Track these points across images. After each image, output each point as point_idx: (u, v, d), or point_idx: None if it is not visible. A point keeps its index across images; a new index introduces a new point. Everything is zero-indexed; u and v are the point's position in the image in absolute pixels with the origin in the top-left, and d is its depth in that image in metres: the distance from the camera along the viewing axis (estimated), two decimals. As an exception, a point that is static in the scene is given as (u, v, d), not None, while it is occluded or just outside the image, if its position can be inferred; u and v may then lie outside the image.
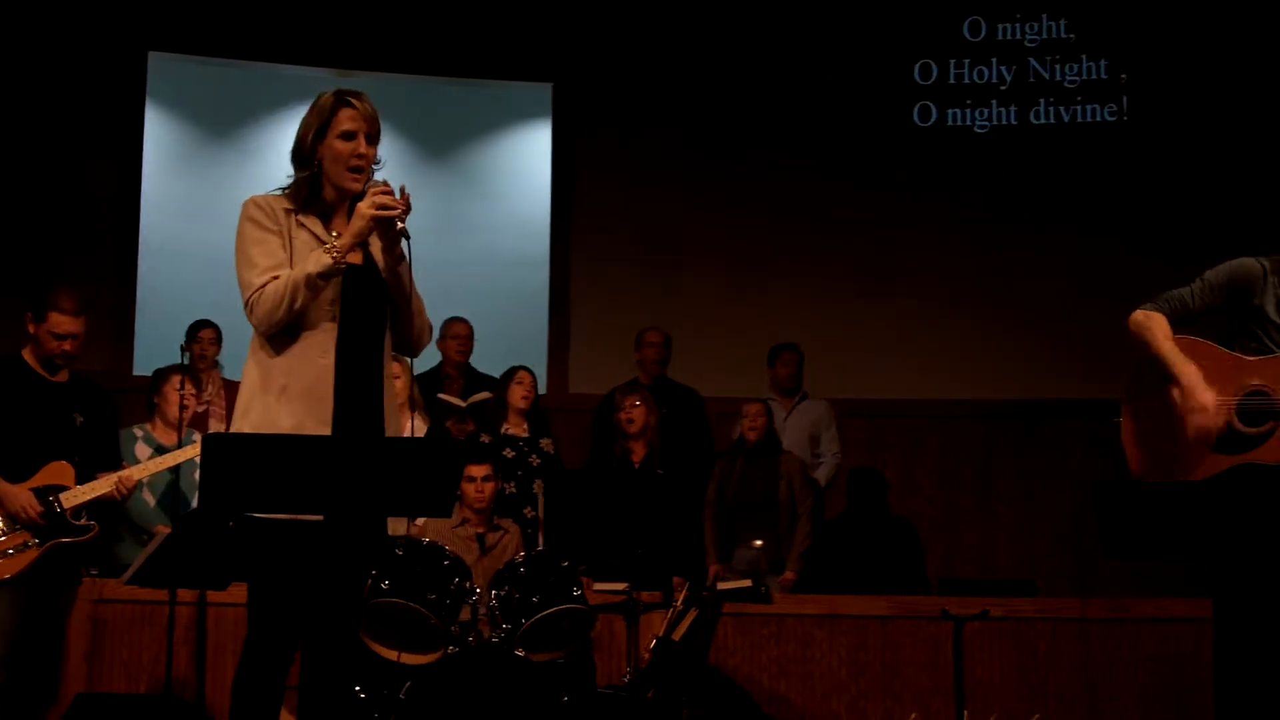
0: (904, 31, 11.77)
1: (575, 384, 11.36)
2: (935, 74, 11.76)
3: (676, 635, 7.11)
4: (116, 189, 11.21)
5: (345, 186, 4.79)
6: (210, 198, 11.08)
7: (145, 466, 6.91)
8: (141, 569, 6.67)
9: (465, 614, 6.88)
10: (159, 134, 11.59)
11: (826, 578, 9.05)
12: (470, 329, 9.84)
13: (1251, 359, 5.23)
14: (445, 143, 12.24)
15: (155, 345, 10.15)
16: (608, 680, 7.61)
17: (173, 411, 8.03)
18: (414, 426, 7.69)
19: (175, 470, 7.64)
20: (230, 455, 4.21)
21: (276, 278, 4.65)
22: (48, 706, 6.72)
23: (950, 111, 11.72)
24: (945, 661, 7.75)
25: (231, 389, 8.68)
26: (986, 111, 11.72)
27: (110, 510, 6.92)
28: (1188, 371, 5.22)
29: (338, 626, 4.75)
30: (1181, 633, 7.86)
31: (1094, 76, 11.64)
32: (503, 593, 6.90)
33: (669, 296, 11.33)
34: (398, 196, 4.69)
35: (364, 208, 4.68)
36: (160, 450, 7.76)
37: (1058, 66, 11.70)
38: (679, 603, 7.21)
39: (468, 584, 6.89)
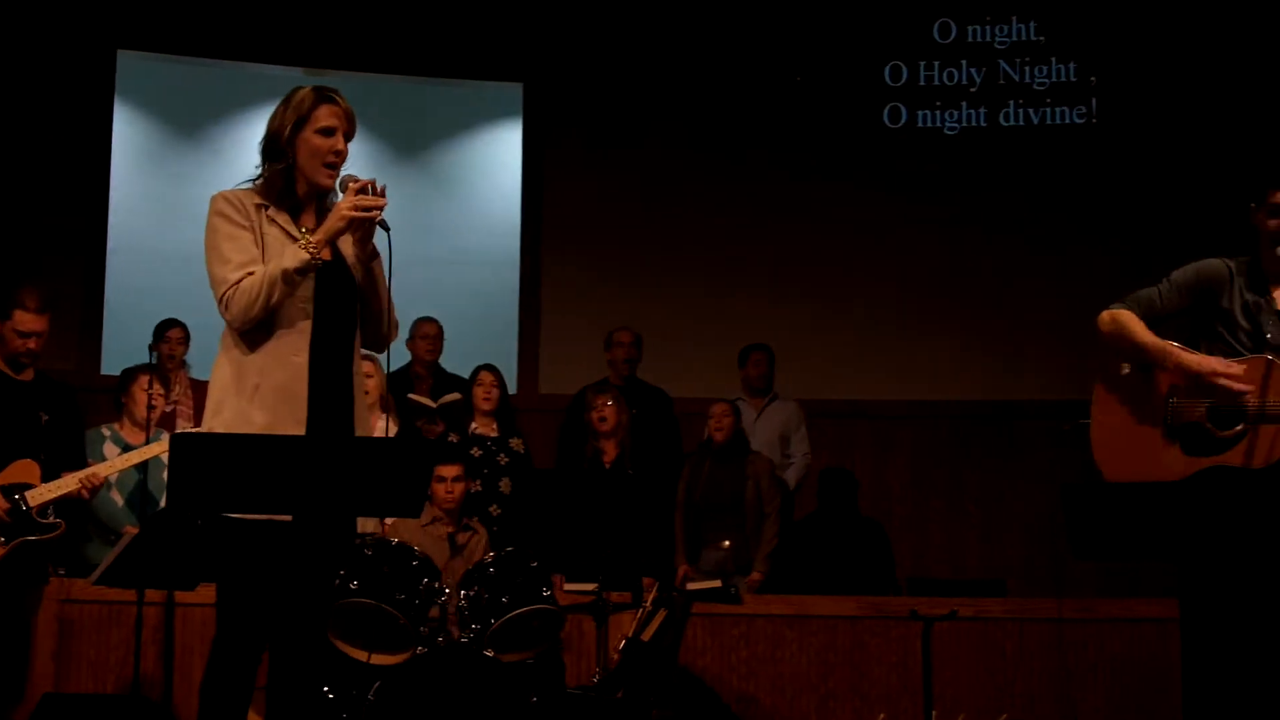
0: (874, 33, 11.78)
1: (545, 384, 11.35)
2: (905, 75, 11.78)
3: (646, 636, 7.10)
4: (85, 188, 11.15)
5: (319, 182, 4.78)
6: (179, 197, 11.03)
7: (112, 464, 6.88)
8: (109, 569, 6.64)
9: (434, 614, 6.87)
10: (128, 133, 11.54)
11: (796, 578, 9.06)
12: (440, 329, 9.84)
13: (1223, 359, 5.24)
14: (415, 142, 12.22)
15: (123, 345, 10.11)
16: (577, 681, 7.61)
17: (141, 411, 8.00)
18: (385, 427, 7.69)
19: (144, 470, 7.61)
20: (198, 455, 4.19)
21: (251, 273, 4.63)
22: (14, 706, 6.68)
23: (920, 113, 11.74)
24: (914, 662, 7.77)
25: (199, 388, 8.65)
26: (956, 113, 11.74)
27: (78, 510, 6.89)
28: (1182, 355, 5.22)
29: (306, 627, 4.73)
30: (1149, 633, 7.89)
31: (1063, 79, 11.67)
32: (472, 593, 6.89)
33: (639, 297, 11.32)
34: (374, 193, 4.68)
35: (344, 208, 4.66)
36: (129, 450, 7.73)
37: (1027, 69, 11.73)
38: (648, 603, 7.21)
39: (437, 584, 6.88)
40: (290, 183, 4.79)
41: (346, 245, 4.82)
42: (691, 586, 7.88)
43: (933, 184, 11.58)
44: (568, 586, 7.60)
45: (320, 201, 4.83)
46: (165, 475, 6.66)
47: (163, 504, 7.80)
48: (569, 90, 11.77)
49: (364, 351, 5.01)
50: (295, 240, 4.69)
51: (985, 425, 11.21)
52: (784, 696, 8.08)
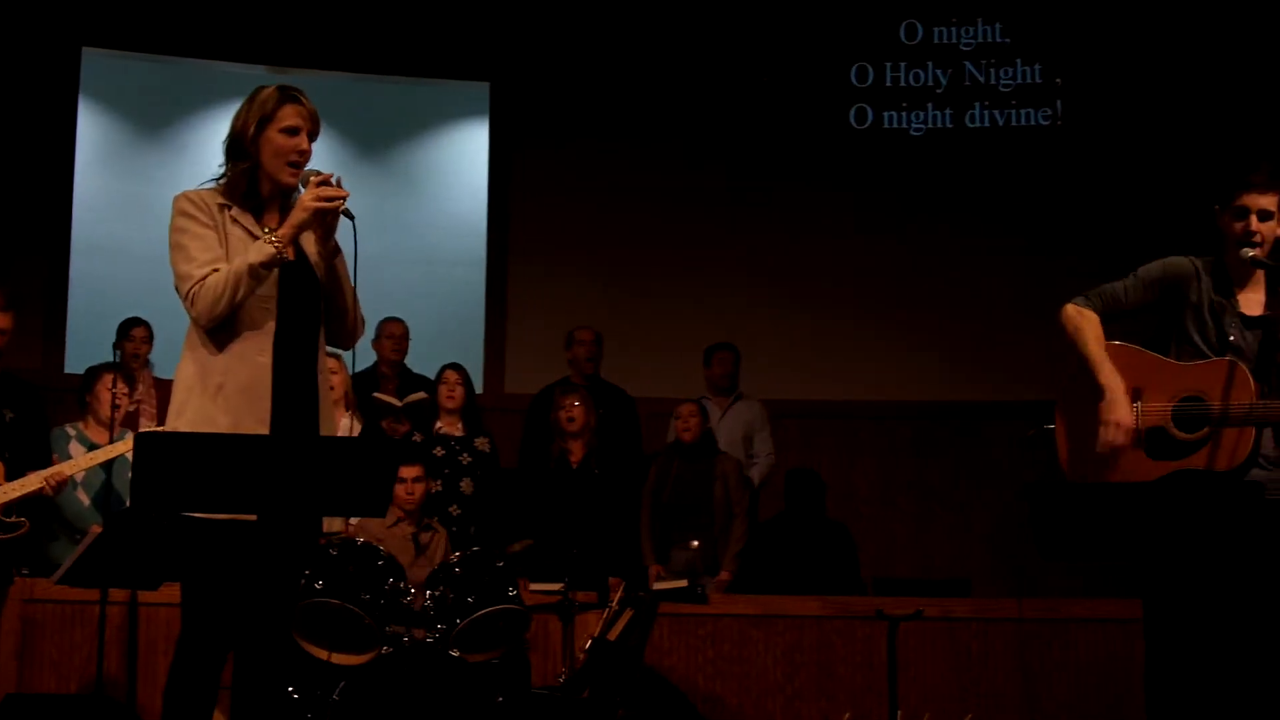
0: (840, 34, 11.80)
1: (511, 383, 11.33)
2: (871, 77, 11.80)
3: (612, 635, 7.10)
4: (49, 186, 11.09)
5: (283, 181, 4.78)
6: (144, 195, 10.98)
7: (76, 462, 6.86)
8: (73, 568, 6.61)
9: (400, 614, 6.86)
10: (92, 130, 11.49)
11: (762, 579, 9.07)
12: (405, 328, 9.82)
13: (1186, 364, 5.26)
14: (382, 141, 12.19)
15: (87, 344, 10.07)
16: (543, 681, 7.60)
17: (105, 410, 7.96)
18: (348, 425, 7.68)
19: (108, 469, 7.58)
20: (162, 454, 4.18)
21: (216, 270, 4.62)
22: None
23: (886, 114, 11.76)
24: (880, 661, 7.78)
25: (163, 387, 8.62)
26: (922, 114, 11.77)
27: (43, 509, 6.86)
28: (1113, 384, 5.25)
29: (271, 627, 4.72)
30: (1113, 633, 7.91)
31: (1029, 81, 11.71)
32: (438, 593, 6.88)
33: (606, 297, 11.32)
34: (334, 186, 4.68)
35: (307, 200, 4.67)
36: (94, 449, 7.70)
37: (993, 70, 11.76)
38: (614, 603, 7.20)
39: (402, 584, 6.86)
40: (254, 182, 4.79)
41: (309, 244, 4.82)
42: (658, 586, 7.88)
43: (898, 185, 11.60)
44: (534, 586, 7.59)
45: (284, 201, 4.83)
46: (130, 474, 6.65)
47: (128, 503, 7.77)
48: (536, 90, 11.76)
49: (329, 350, 5.01)
50: (258, 240, 4.68)
51: (950, 426, 11.24)
52: (750, 696, 8.09)
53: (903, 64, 11.81)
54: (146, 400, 9.10)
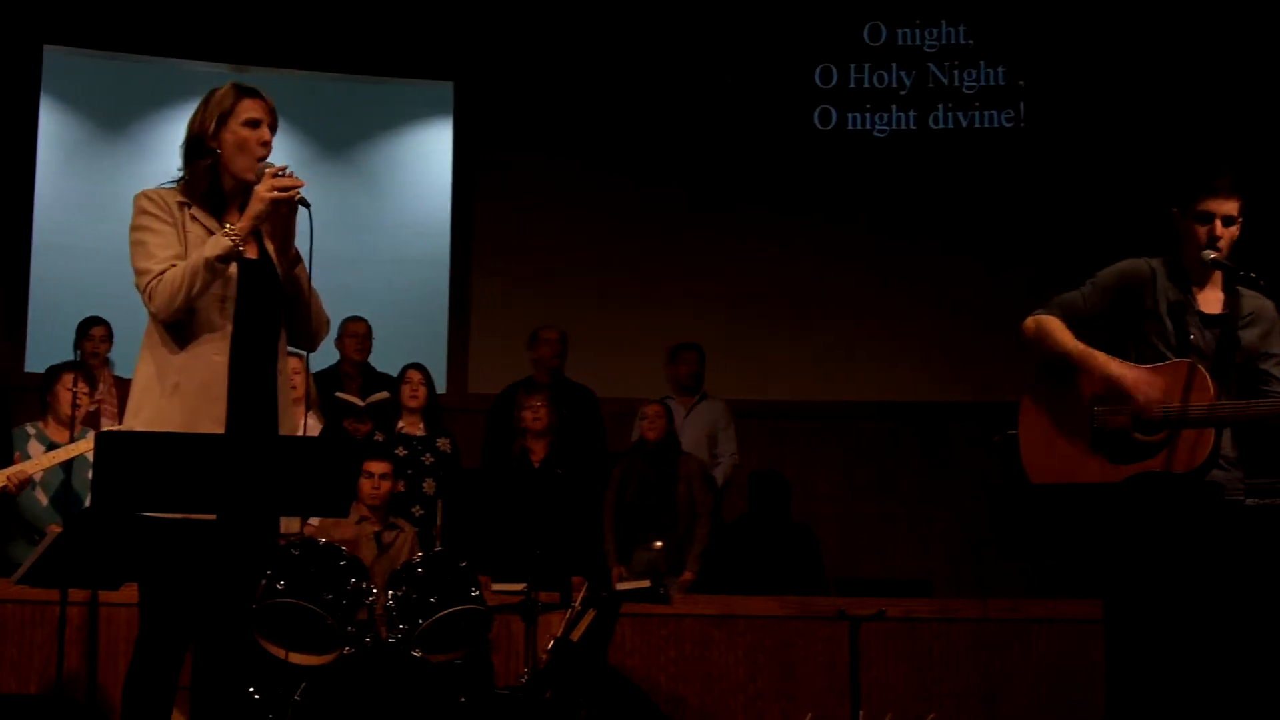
0: (805, 35, 11.82)
1: (475, 383, 11.32)
2: (836, 78, 11.82)
3: (575, 636, 7.10)
4: (10, 184, 11.04)
5: (245, 176, 4.77)
6: (105, 194, 10.94)
7: (38, 461, 6.84)
8: (32, 568, 6.56)
9: (362, 614, 6.84)
10: (53, 129, 11.44)
11: (726, 580, 9.08)
12: (368, 328, 9.79)
13: (1145, 367, 5.28)
14: (345, 140, 12.17)
15: (48, 343, 10.03)
16: (506, 681, 7.60)
17: (65, 409, 7.94)
18: (309, 425, 7.65)
19: (68, 469, 7.55)
20: (124, 453, 4.16)
21: (175, 265, 4.61)
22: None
23: (850, 115, 11.79)
24: (842, 662, 7.78)
25: (124, 386, 8.58)
26: (886, 116, 11.79)
27: (2, 509, 6.83)
28: (1104, 362, 5.26)
29: (230, 626, 4.71)
30: (1074, 633, 7.94)
31: (992, 83, 11.75)
32: (400, 593, 6.86)
33: (569, 297, 11.31)
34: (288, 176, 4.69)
35: (262, 190, 4.67)
36: (54, 448, 7.67)
37: (957, 72, 11.80)
38: (577, 603, 7.20)
39: (364, 584, 6.84)
40: (216, 179, 4.78)
41: (271, 246, 4.82)
42: (620, 587, 7.88)
43: (862, 186, 11.63)
44: (496, 587, 7.58)
45: (244, 200, 4.82)
46: (90, 474, 6.62)
47: (87, 503, 7.74)
48: (500, 90, 11.74)
49: (291, 349, 5.00)
50: (215, 235, 4.67)
51: (913, 426, 11.27)
52: (712, 696, 8.09)
53: (867, 65, 11.84)
54: (107, 399, 9.06)
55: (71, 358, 7.94)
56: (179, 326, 4.66)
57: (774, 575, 9.30)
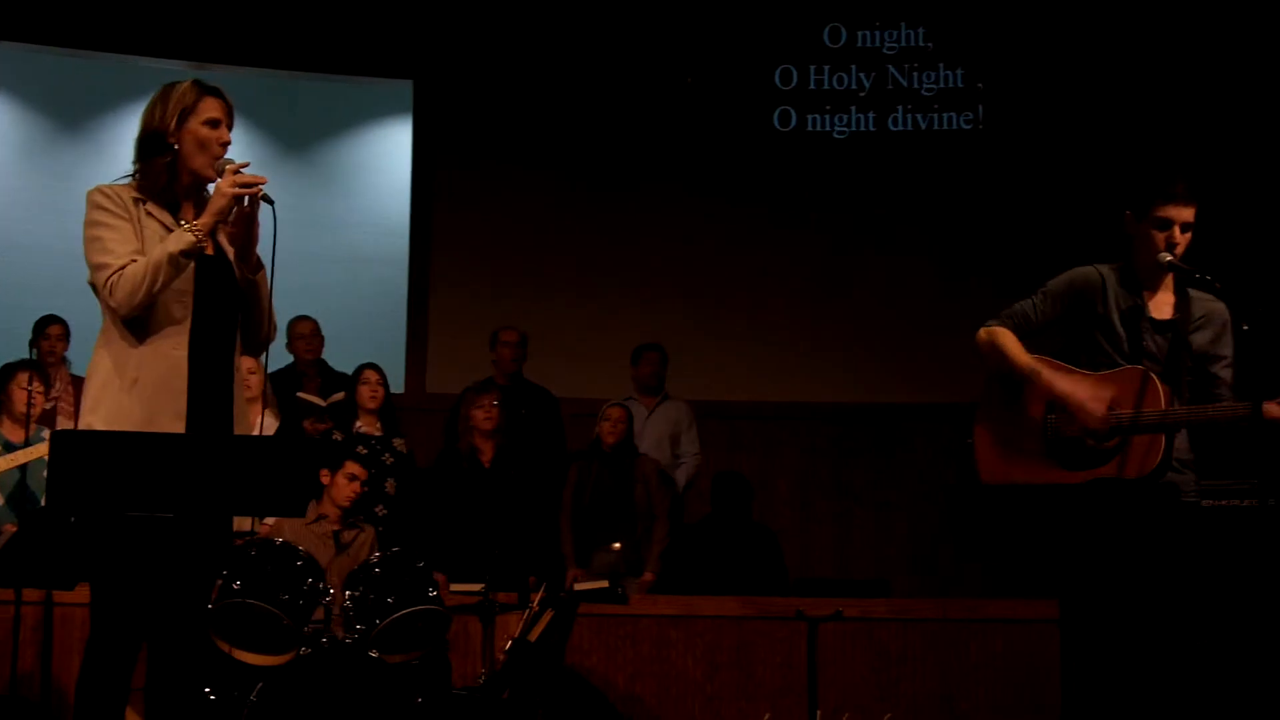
0: (765, 37, 11.83)
1: (433, 383, 11.30)
2: (795, 79, 11.84)
3: (533, 636, 7.09)
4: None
5: (205, 173, 4.76)
6: (60, 191, 10.90)
7: (-5, 461, 6.82)
8: (-13, 568, 6.55)
9: (319, 614, 6.83)
10: (7, 126, 11.40)
11: (688, 581, 9.09)
12: (314, 326, 9.75)
13: (1098, 374, 5.30)
14: (304, 138, 12.14)
15: (4, 341, 9.96)
16: (463, 681, 7.59)
17: (20, 408, 7.90)
18: (265, 423, 7.63)
19: (24, 469, 7.52)
20: (80, 452, 4.14)
21: (135, 260, 4.59)
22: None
23: (810, 117, 11.80)
24: (800, 661, 7.81)
25: (80, 385, 8.54)
26: (845, 117, 11.81)
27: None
28: (1052, 379, 5.29)
29: (185, 626, 4.69)
30: (1030, 633, 7.97)
31: (951, 85, 11.78)
32: (357, 593, 6.85)
33: (529, 297, 11.30)
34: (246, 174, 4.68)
35: (224, 186, 4.65)
36: (9, 448, 7.65)
37: (916, 74, 11.83)
38: (535, 604, 7.19)
39: (321, 584, 6.83)
40: (173, 176, 4.76)
41: (227, 244, 4.81)
42: (579, 587, 7.87)
43: (821, 187, 11.65)
44: (454, 587, 7.57)
45: (199, 197, 4.81)
46: (45, 474, 6.59)
47: (43, 502, 7.71)
48: (460, 88, 11.72)
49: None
50: (177, 230, 4.66)
51: (871, 427, 11.29)
52: (670, 696, 8.10)
53: (826, 67, 11.86)
54: (63, 398, 9.03)
55: (27, 356, 7.89)
56: (137, 321, 4.63)
57: (736, 576, 9.33)
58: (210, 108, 4.77)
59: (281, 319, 5.06)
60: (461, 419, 8.89)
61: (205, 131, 4.75)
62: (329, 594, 6.83)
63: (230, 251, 4.82)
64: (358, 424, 8.71)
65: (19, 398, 7.90)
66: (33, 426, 7.84)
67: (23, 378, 7.89)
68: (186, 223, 4.69)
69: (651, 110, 11.67)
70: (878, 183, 11.63)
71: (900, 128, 11.78)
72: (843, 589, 8.86)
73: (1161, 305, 5.39)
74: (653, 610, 8.24)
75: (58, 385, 9.03)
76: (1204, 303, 5.40)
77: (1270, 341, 5.06)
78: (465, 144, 11.69)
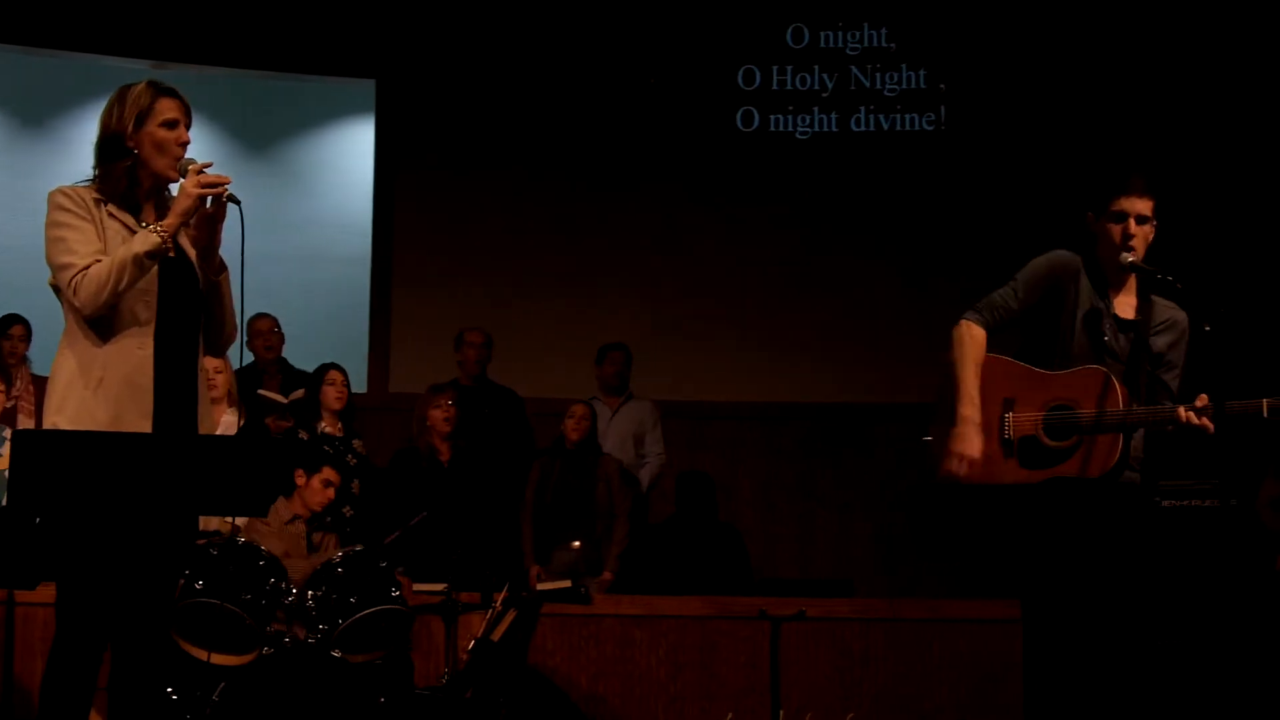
0: (728, 37, 11.84)
1: (396, 383, 11.28)
2: (758, 79, 11.86)
3: (495, 636, 7.09)
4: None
5: (167, 175, 4.75)
6: (23, 190, 10.81)
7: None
8: (-54, 568, 6.51)
9: (281, 614, 6.81)
10: (-31, 125, 11.34)
11: (652, 581, 9.09)
12: (272, 323, 9.71)
13: (1056, 373, 5.31)
14: (266, 137, 12.11)
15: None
16: (426, 681, 7.57)
17: (-20, 407, 7.88)
18: (230, 422, 7.61)
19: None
20: (40, 452, 4.13)
21: (99, 260, 4.57)
22: None
23: (773, 117, 11.82)
24: (763, 661, 7.81)
25: (41, 385, 8.51)
26: (808, 118, 11.84)
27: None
28: (968, 415, 5.25)
29: (148, 626, 4.68)
30: (992, 633, 7.99)
31: (913, 86, 11.81)
32: (319, 593, 6.83)
33: (492, 296, 11.29)
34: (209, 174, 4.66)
35: (189, 186, 4.63)
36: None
37: (878, 75, 11.86)
38: (498, 603, 7.19)
39: (283, 584, 6.81)
40: (133, 179, 4.75)
41: (188, 243, 4.79)
42: (542, 587, 7.87)
43: (784, 187, 11.67)
44: (417, 586, 7.56)
45: (159, 198, 4.80)
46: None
47: (3, 502, 7.66)
48: (423, 88, 11.71)
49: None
50: (142, 231, 4.64)
51: (834, 427, 11.31)
52: (633, 696, 8.10)
53: (789, 67, 11.88)
54: (25, 397, 8.98)
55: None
56: (101, 321, 4.62)
57: (700, 575, 9.34)
58: (167, 108, 4.75)
59: (243, 317, 5.04)
60: (419, 419, 8.90)
61: (163, 133, 4.73)
62: (291, 593, 6.81)
63: (192, 253, 4.80)
64: (321, 424, 8.69)
65: (-21, 397, 7.87)
66: (-7, 426, 7.81)
67: (-17, 377, 7.87)
68: (148, 224, 4.68)
69: (614, 110, 11.67)
70: (840, 183, 11.66)
71: (863, 128, 11.81)
72: (806, 589, 8.88)
73: (1124, 305, 5.39)
74: (616, 610, 8.25)
75: (19, 385, 8.98)
76: (1166, 309, 5.41)
77: (1230, 342, 5.09)
78: (428, 143, 11.67)
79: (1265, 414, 5.11)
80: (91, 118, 10.75)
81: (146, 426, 4.60)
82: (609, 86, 11.69)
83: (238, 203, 4.70)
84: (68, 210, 4.67)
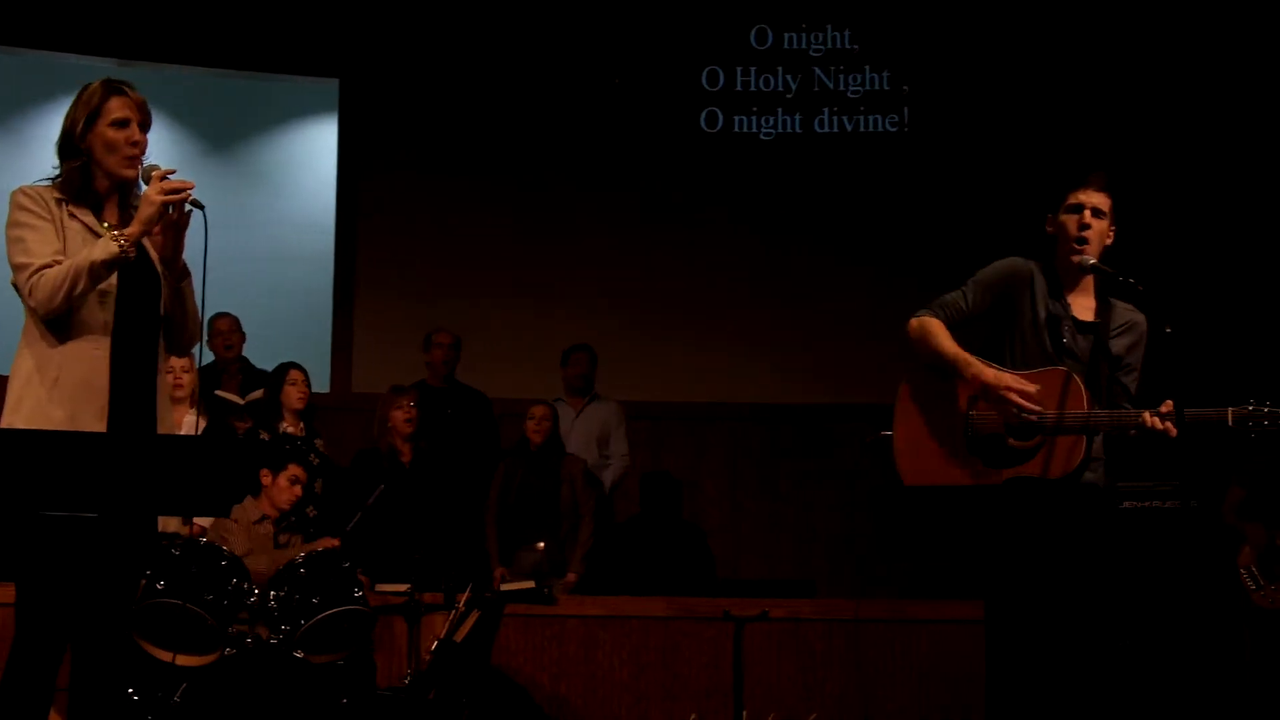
0: (692, 38, 11.85)
1: (359, 383, 11.25)
2: (722, 80, 11.87)
3: (458, 637, 7.08)
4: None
5: (120, 174, 4.73)
6: (-16, 188, 10.77)
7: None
8: (-95, 568, 6.46)
9: (243, 615, 6.78)
10: (-72, 121, 11.28)
11: (615, 582, 9.09)
12: (232, 323, 9.68)
13: (1020, 373, 5.33)
14: (229, 136, 12.06)
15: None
16: (388, 682, 7.56)
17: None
18: (192, 422, 7.58)
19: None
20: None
21: (58, 262, 4.56)
22: None
23: (736, 118, 11.84)
24: (726, 662, 7.82)
25: (1, 384, 8.45)
26: (772, 119, 11.86)
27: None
28: (981, 369, 5.30)
29: (109, 627, 4.66)
30: (954, 634, 8.02)
31: (877, 88, 11.84)
32: (282, 593, 6.81)
33: (456, 297, 11.27)
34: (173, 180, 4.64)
35: (152, 194, 4.62)
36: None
37: (842, 77, 11.88)
38: (461, 604, 7.18)
39: (246, 584, 6.78)
40: (89, 179, 4.75)
41: (151, 243, 4.78)
42: (505, 587, 7.87)
43: (748, 188, 11.68)
44: (380, 587, 7.55)
45: (123, 196, 4.78)
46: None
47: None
48: (387, 87, 11.68)
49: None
50: (98, 236, 4.63)
51: (798, 427, 11.32)
52: (596, 697, 8.10)
53: (753, 69, 11.90)
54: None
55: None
56: (59, 321, 4.61)
57: (664, 576, 9.34)
58: (116, 107, 4.73)
59: (205, 318, 5.03)
60: (381, 420, 8.89)
61: (111, 133, 4.72)
62: (254, 594, 6.79)
63: (155, 255, 4.79)
64: (282, 424, 8.67)
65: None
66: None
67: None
68: (109, 224, 4.68)
69: (579, 110, 11.67)
70: (804, 184, 11.68)
71: (826, 129, 11.83)
72: (769, 589, 8.88)
73: (1082, 308, 5.42)
74: (579, 611, 8.25)
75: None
76: (1125, 311, 5.44)
77: (1190, 345, 5.11)
78: (391, 143, 11.65)
79: (1230, 423, 5.15)
80: (54, 116, 10.66)
81: (101, 427, 4.58)
82: (573, 87, 11.69)
83: (201, 208, 4.68)
84: (27, 210, 4.66)
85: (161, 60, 11.27)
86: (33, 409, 4.57)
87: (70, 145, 4.75)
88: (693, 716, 8.03)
